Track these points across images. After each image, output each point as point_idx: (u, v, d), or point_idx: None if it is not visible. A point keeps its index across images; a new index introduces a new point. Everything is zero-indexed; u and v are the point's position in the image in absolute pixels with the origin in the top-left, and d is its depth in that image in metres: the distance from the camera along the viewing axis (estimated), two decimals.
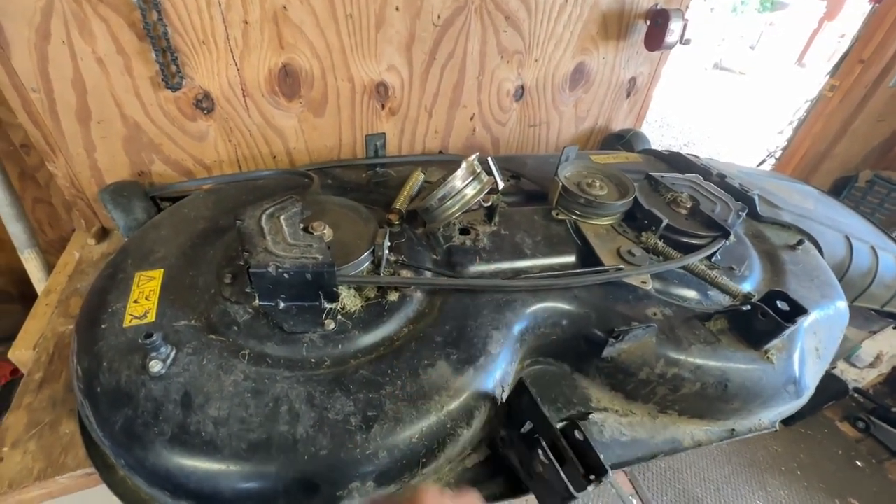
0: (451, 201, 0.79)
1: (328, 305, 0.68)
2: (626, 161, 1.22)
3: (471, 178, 0.80)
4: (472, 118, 1.23)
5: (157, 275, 0.72)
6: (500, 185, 0.82)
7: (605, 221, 0.90)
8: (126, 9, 0.80)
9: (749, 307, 0.73)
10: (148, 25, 0.81)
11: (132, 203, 0.89)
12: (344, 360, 0.64)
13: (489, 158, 0.83)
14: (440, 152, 1.24)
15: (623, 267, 0.79)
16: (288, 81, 0.98)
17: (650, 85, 1.42)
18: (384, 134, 0.97)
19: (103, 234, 1.02)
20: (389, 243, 0.76)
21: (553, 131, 1.37)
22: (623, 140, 1.38)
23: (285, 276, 0.63)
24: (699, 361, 0.71)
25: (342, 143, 1.12)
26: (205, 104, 0.94)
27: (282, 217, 0.73)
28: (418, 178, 0.97)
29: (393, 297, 0.72)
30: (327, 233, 0.75)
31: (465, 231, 0.88)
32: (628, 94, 1.40)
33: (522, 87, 1.23)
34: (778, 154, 2.36)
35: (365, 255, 0.73)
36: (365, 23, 0.96)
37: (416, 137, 1.20)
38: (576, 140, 1.43)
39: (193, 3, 0.82)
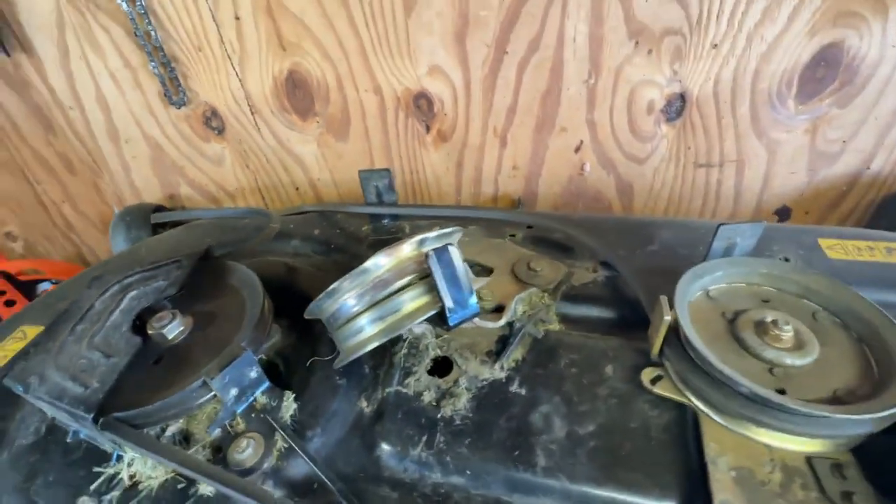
0: (352, 320, 0.39)
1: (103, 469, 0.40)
2: None
3: (405, 281, 0.38)
4: (577, 148, 0.75)
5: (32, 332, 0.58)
6: (447, 303, 0.37)
7: (799, 445, 0.33)
8: (122, 16, 0.70)
9: None
10: (139, 32, 0.69)
11: (129, 231, 0.81)
12: None
13: (451, 240, 0.39)
14: (517, 203, 0.80)
15: None
16: (298, 94, 0.74)
17: None
18: (387, 171, 0.63)
19: None
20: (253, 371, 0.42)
21: (752, 176, 0.74)
22: None
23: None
24: None
25: None
26: (214, 123, 0.80)
27: (127, 297, 0.49)
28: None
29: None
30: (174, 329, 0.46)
31: (441, 366, 0.47)
32: None
33: (682, 98, 0.68)
34: None
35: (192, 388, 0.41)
36: (388, 5, 0.64)
37: (484, 176, 0.79)
38: (812, 197, 0.74)
39: (180, 0, 0.67)
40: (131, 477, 0.41)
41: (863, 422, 0.32)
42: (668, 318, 0.38)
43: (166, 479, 0.40)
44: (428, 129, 0.75)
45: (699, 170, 0.74)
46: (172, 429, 0.43)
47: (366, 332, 0.37)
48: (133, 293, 0.50)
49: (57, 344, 0.44)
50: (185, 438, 0.44)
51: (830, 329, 0.39)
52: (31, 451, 0.44)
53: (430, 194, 0.82)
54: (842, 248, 0.55)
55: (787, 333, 0.37)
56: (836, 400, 0.34)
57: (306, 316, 0.41)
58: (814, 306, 0.42)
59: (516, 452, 0.39)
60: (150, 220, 0.80)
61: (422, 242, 0.37)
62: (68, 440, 0.44)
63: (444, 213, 0.67)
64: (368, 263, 0.37)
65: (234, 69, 0.73)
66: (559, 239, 0.62)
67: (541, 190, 0.79)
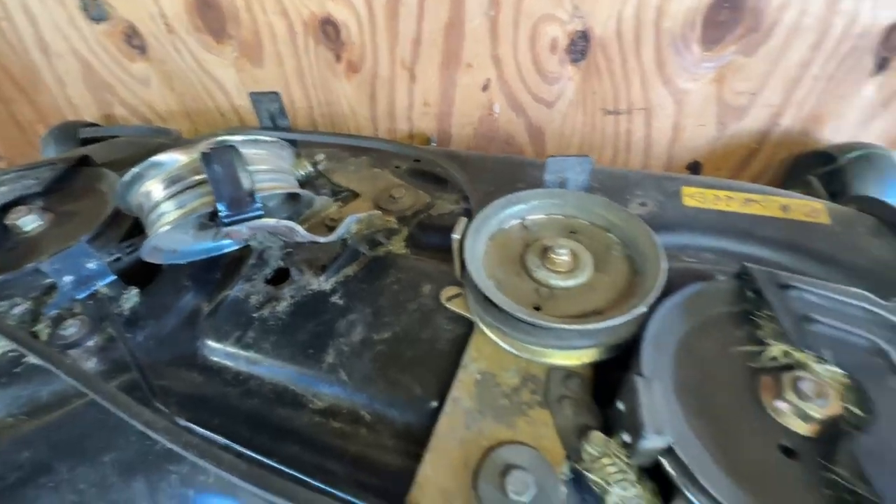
0: (155, 207, 0.41)
1: None
2: (760, 213, 0.51)
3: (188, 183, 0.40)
4: (485, 87, 0.73)
5: None
6: (218, 201, 0.38)
7: (545, 357, 0.35)
8: None
9: None
10: None
11: (57, 145, 0.84)
12: None
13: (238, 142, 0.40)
14: (429, 142, 0.80)
15: None
16: (210, 14, 0.74)
17: None
18: (276, 94, 0.63)
19: None
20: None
21: (660, 127, 0.72)
22: (827, 169, 0.62)
23: None
24: None
25: (295, 107, 0.83)
26: (136, 41, 0.80)
27: None
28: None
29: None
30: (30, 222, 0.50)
31: (281, 276, 0.50)
32: (880, 68, 0.60)
33: (585, 35, 0.65)
34: None
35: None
36: None
37: (397, 112, 0.79)
38: (724, 153, 0.73)
39: None
40: None
41: (576, 332, 0.34)
42: (456, 236, 0.40)
43: (8, 350, 0.45)
44: (338, 58, 0.75)
45: (608, 117, 0.72)
46: (21, 307, 0.47)
47: (164, 219, 0.40)
48: (4, 188, 0.53)
49: None
50: (34, 318, 0.48)
51: (616, 260, 0.40)
52: None
53: (348, 127, 0.83)
54: (700, 197, 0.54)
55: (562, 258, 0.38)
56: (584, 318, 0.36)
57: (123, 209, 0.44)
58: (614, 239, 0.42)
59: (311, 350, 0.43)
60: (77, 136, 0.83)
61: (218, 143, 0.39)
62: None
63: (337, 140, 0.68)
64: (162, 156, 0.39)
65: None
66: (438, 173, 0.63)
67: (454, 130, 0.79)
